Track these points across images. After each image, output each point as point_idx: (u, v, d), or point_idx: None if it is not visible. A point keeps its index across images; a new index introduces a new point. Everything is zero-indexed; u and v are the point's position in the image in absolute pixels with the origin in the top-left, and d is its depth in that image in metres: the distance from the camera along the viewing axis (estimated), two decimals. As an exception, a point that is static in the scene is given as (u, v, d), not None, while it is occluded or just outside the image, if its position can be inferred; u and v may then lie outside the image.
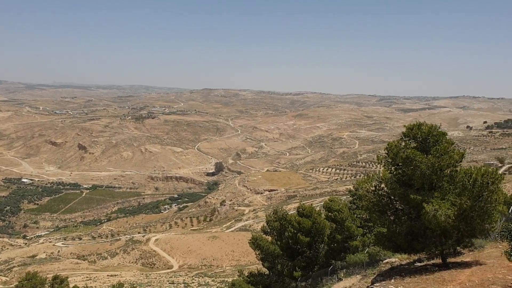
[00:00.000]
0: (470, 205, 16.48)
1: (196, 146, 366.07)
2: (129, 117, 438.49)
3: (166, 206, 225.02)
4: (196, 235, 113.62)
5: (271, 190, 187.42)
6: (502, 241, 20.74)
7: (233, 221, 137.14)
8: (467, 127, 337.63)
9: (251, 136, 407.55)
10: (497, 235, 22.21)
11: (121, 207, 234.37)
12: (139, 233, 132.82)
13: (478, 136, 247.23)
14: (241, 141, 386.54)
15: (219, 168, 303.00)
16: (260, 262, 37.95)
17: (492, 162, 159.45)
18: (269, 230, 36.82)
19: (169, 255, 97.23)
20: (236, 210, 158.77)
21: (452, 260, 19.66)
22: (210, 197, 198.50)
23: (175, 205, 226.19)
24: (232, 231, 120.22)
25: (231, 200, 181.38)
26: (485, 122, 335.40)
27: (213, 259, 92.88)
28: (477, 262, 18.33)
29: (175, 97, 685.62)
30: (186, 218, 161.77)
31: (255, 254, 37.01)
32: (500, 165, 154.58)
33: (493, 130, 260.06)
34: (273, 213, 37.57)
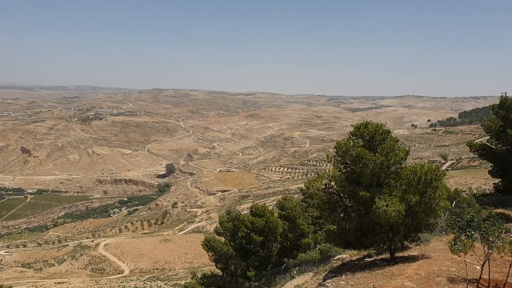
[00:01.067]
0: (416, 201, 17.14)
1: (146, 148, 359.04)
2: (75, 119, 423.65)
3: (115, 210, 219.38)
4: (147, 238, 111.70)
5: (224, 191, 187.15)
6: (447, 234, 21.70)
7: (186, 223, 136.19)
8: (412, 125, 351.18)
9: (203, 136, 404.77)
10: (441, 229, 23.22)
11: (68, 211, 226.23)
12: (87, 238, 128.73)
13: (423, 134, 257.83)
14: (193, 142, 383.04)
15: (170, 169, 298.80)
16: (214, 263, 37.79)
17: (436, 158, 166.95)
18: (222, 231, 36.72)
19: (119, 260, 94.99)
20: (189, 212, 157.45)
21: (400, 254, 20.36)
22: (162, 200, 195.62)
23: (125, 209, 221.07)
24: (184, 233, 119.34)
25: (183, 202, 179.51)
26: (429, 121, 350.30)
27: (166, 262, 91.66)
28: (423, 255, 19.07)
29: (124, 98, 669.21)
30: (137, 221, 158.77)
31: (208, 255, 36.80)
32: (443, 161, 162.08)
33: (437, 128, 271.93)
34: (226, 214, 37.49)
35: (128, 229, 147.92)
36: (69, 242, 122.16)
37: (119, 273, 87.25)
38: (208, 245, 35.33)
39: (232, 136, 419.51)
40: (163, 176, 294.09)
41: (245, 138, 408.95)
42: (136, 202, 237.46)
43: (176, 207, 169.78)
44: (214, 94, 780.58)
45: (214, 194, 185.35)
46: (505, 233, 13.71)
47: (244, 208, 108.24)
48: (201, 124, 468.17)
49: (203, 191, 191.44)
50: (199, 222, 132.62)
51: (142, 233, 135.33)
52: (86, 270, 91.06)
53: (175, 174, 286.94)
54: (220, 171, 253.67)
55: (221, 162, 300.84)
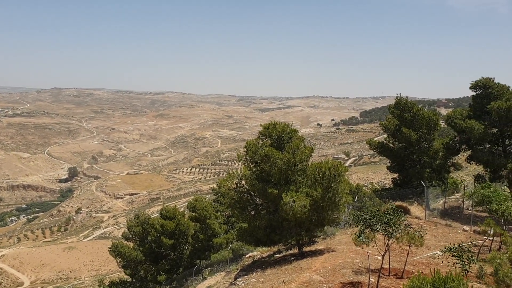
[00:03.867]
0: (321, 196, 17.89)
1: (46, 151, 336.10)
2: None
3: (13, 218, 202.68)
4: (49, 247, 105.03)
5: (133, 194, 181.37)
6: (351, 227, 22.86)
7: (91, 229, 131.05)
8: (318, 124, 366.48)
9: (108, 138, 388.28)
10: (345, 223, 24.42)
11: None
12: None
13: (327, 132, 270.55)
14: (98, 144, 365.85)
15: (73, 173, 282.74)
16: (122, 269, 36.63)
17: (340, 155, 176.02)
18: (130, 236, 35.74)
19: (18, 271, 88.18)
20: (94, 218, 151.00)
21: (308, 249, 21.07)
22: (64, 205, 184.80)
23: (24, 216, 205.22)
24: (90, 240, 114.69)
25: (88, 207, 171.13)
26: (332, 120, 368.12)
27: (71, 271, 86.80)
28: (330, 249, 19.92)
29: (20, 98, 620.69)
30: (37, 229, 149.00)
31: (116, 262, 35.65)
32: (346, 158, 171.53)
33: (340, 127, 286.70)
34: (134, 218, 36.56)
35: (28, 238, 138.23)
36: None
37: (18, 286, 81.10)
38: (115, 251, 34.12)
39: (140, 137, 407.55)
40: (66, 180, 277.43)
41: (154, 139, 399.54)
42: (36, 209, 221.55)
43: (81, 213, 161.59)
44: (120, 93, 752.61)
45: (122, 198, 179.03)
46: (404, 227, 14.73)
47: (154, 211, 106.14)
48: (106, 124, 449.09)
49: (110, 195, 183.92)
50: (106, 227, 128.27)
51: (43, 242, 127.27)
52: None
53: (79, 178, 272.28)
54: (127, 173, 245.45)
55: (129, 164, 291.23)
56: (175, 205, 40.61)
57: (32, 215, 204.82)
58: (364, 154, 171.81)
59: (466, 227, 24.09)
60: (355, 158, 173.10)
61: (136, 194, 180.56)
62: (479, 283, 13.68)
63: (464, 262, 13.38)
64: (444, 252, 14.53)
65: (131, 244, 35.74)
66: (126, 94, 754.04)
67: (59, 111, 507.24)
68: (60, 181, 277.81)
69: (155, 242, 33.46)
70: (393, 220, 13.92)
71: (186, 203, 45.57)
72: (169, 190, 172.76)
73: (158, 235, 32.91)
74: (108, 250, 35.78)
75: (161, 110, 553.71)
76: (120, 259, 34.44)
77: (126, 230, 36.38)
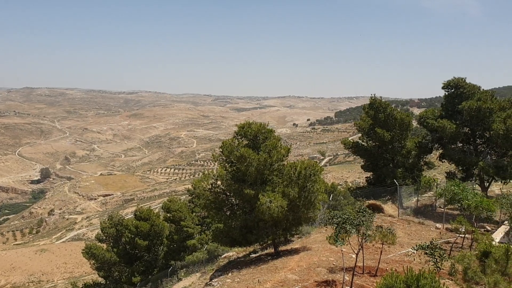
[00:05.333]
0: (297, 196, 17.94)
1: (17, 152, 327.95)
2: None
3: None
4: (20, 250, 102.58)
5: (106, 195, 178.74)
6: (326, 226, 23.02)
7: (64, 231, 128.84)
8: (294, 124, 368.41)
9: (81, 138, 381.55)
10: (321, 221, 24.58)
11: None
12: None
13: (303, 132, 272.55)
14: (70, 144, 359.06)
15: (45, 174, 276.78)
16: (96, 271, 36.12)
17: (315, 155, 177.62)
18: (104, 238, 35.30)
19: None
20: (67, 219, 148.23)
21: (284, 248, 21.10)
22: (36, 207, 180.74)
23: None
24: (63, 242, 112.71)
25: (61, 209, 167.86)
26: (308, 120, 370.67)
27: (43, 274, 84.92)
28: (305, 248, 19.99)
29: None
30: (8, 232, 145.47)
31: (90, 263, 35.14)
32: (322, 157, 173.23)
33: (315, 127, 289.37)
34: (108, 219, 36.16)
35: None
36: None
37: (-14, 291, 78.66)
38: (89, 252, 33.62)
39: (113, 137, 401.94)
40: (38, 181, 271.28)
41: (128, 139, 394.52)
42: (7, 211, 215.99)
43: (53, 215, 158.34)
44: (93, 93, 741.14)
45: (95, 199, 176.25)
46: (376, 227, 14.92)
47: (128, 213, 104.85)
48: (79, 125, 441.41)
49: (83, 196, 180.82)
50: (79, 229, 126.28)
51: (14, 244, 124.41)
52: None
53: (51, 179, 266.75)
54: (101, 174, 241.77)
55: (102, 164, 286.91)
56: (149, 206, 40.26)
57: (2, 218, 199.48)
58: (339, 153, 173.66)
59: (438, 225, 24.54)
60: (330, 157, 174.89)
61: (110, 195, 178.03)
62: (451, 280, 13.92)
63: (436, 259, 13.61)
64: (417, 250, 14.76)
65: (104, 246, 35.31)
66: (99, 93, 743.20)
67: (30, 111, 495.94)
68: (32, 182, 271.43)
69: (129, 244, 33.07)
70: (365, 220, 14.08)
71: (161, 204, 45.16)
72: (143, 191, 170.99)
73: (133, 236, 32.55)
74: (82, 252, 35.23)
75: (135, 110, 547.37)
76: (93, 261, 33.98)
77: (100, 231, 35.97)
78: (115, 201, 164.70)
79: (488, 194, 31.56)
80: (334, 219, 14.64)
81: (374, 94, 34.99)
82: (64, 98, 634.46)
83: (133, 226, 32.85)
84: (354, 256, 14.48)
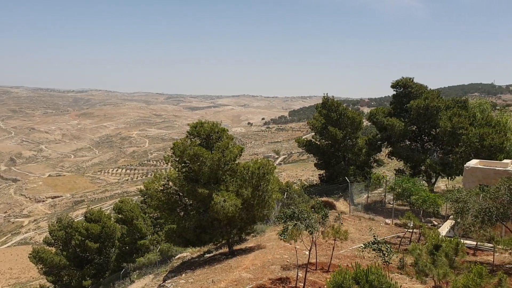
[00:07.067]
0: (251, 194, 17.98)
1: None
2: None
3: None
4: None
5: (55, 197, 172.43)
6: (279, 224, 23.23)
7: (10, 235, 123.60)
8: (248, 123, 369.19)
9: (28, 138, 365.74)
10: (275, 219, 24.77)
11: None
12: None
13: (258, 131, 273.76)
14: (16, 145, 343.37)
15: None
16: (44, 276, 34.81)
17: (270, 154, 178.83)
18: (53, 241, 34.11)
19: None
20: (13, 223, 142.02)
21: (238, 247, 21.11)
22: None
23: None
24: (8, 246, 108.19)
25: (6, 212, 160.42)
26: (263, 119, 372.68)
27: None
28: (259, 246, 20.08)
29: None
30: None
31: (38, 268, 33.86)
32: (276, 156, 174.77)
33: (270, 126, 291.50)
34: (57, 222, 35.01)
35: None
36: None
37: None
38: (36, 257, 32.36)
39: (62, 137, 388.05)
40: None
41: (77, 139, 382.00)
42: None
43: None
44: (41, 91, 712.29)
45: (43, 201, 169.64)
46: (327, 222, 15.16)
47: (78, 215, 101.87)
48: (26, 124, 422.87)
49: (30, 199, 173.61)
50: (26, 233, 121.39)
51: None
52: None
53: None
54: (49, 175, 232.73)
55: (51, 165, 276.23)
56: (100, 208, 39.19)
57: None
58: (293, 152, 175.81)
59: (388, 220, 25.32)
60: (284, 156, 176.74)
61: (59, 197, 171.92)
62: (400, 273, 14.38)
63: (384, 254, 14.01)
64: (366, 246, 15.14)
65: (53, 249, 34.12)
66: (47, 92, 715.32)
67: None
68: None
69: (79, 246, 32.11)
70: (316, 216, 14.30)
71: (112, 205, 44.07)
72: (94, 192, 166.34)
73: (83, 239, 31.62)
74: (28, 257, 33.83)
75: (85, 109, 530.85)
76: (41, 266, 32.74)
77: (48, 234, 34.73)
78: (65, 203, 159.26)
79: (434, 190, 32.94)
80: (282, 215, 14.81)
81: (327, 94, 35.67)
82: (8, 97, 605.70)
83: (83, 228, 31.91)
84: (307, 253, 14.67)
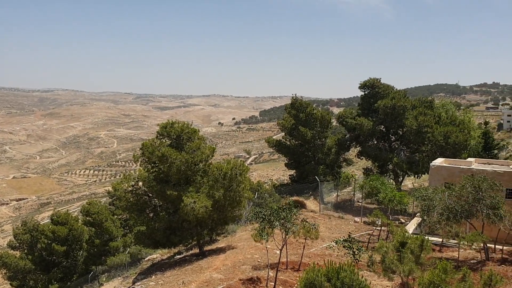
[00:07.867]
0: (222, 196, 17.91)
1: None
2: None
3: None
4: None
5: (20, 199, 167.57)
6: (251, 224, 23.26)
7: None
8: (219, 123, 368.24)
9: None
10: (246, 219, 24.79)
11: None
12: None
13: (229, 131, 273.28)
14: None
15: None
16: (8, 281, 33.79)
17: (241, 154, 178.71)
18: (18, 245, 33.17)
19: None
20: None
21: (209, 248, 21.02)
22: None
23: None
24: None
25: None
26: (233, 119, 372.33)
27: None
28: (230, 246, 20.04)
29: None
30: None
31: (1, 273, 32.80)
32: (247, 156, 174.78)
33: (241, 126, 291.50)
34: (22, 225, 34.07)
35: None
36: None
37: None
38: (0, 261, 31.27)
39: (27, 137, 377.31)
40: None
41: (43, 140, 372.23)
42: None
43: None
44: (4, 90, 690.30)
45: (7, 203, 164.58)
46: (301, 221, 15.29)
47: (44, 217, 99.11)
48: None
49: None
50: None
51: None
52: None
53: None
54: (14, 177, 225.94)
55: (15, 167, 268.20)
56: (67, 210, 38.28)
57: None
58: (264, 152, 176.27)
59: (357, 219, 25.72)
60: (255, 156, 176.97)
61: (24, 199, 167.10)
62: (370, 271, 14.63)
63: (354, 252, 14.22)
64: (337, 243, 15.34)
65: (18, 253, 33.11)
66: (11, 91, 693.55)
67: None
68: None
69: (45, 250, 31.26)
70: (290, 216, 14.38)
71: (80, 207, 43.13)
72: (61, 194, 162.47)
73: (49, 242, 30.80)
74: (-9, 262, 32.66)
75: (51, 109, 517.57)
76: (5, 270, 31.73)
77: (13, 238, 33.66)
78: (30, 206, 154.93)
79: (402, 188, 33.68)
80: (259, 215, 14.82)
81: (295, 94, 35.99)
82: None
83: (49, 231, 31.08)
84: (278, 252, 14.75)
